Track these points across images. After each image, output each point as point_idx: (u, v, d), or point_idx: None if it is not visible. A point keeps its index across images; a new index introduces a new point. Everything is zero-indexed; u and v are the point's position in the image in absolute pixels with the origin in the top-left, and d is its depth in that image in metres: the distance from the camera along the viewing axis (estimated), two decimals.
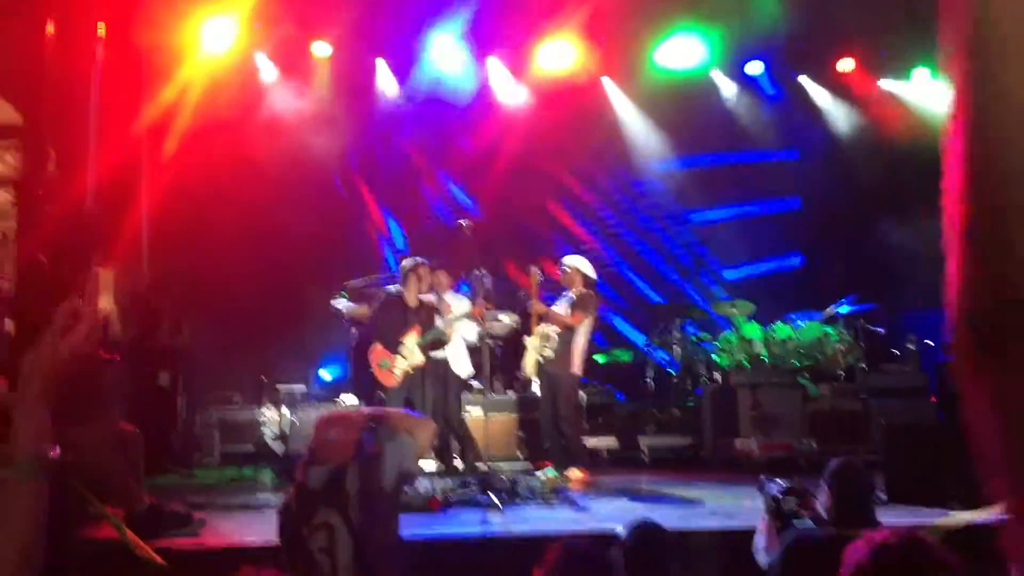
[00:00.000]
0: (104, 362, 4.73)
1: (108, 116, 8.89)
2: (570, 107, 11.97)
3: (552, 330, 7.65)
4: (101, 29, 8.68)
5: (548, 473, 7.46)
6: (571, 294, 7.78)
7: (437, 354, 7.81)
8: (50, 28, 7.53)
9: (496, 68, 11.99)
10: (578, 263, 7.94)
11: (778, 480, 4.01)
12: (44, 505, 1.63)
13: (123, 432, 4.65)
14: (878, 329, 10.11)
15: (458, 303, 7.99)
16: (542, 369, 7.72)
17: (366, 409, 4.16)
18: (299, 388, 9.80)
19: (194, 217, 10.36)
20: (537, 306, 7.70)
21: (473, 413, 8.70)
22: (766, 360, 9.33)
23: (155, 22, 9.93)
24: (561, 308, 7.75)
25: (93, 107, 8.53)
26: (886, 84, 12.34)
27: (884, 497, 5.65)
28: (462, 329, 7.89)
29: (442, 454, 7.81)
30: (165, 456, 8.10)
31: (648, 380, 10.68)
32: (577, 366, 7.73)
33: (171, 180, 10.44)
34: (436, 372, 7.80)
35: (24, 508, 1.58)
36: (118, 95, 9.40)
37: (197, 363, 9.43)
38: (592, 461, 8.07)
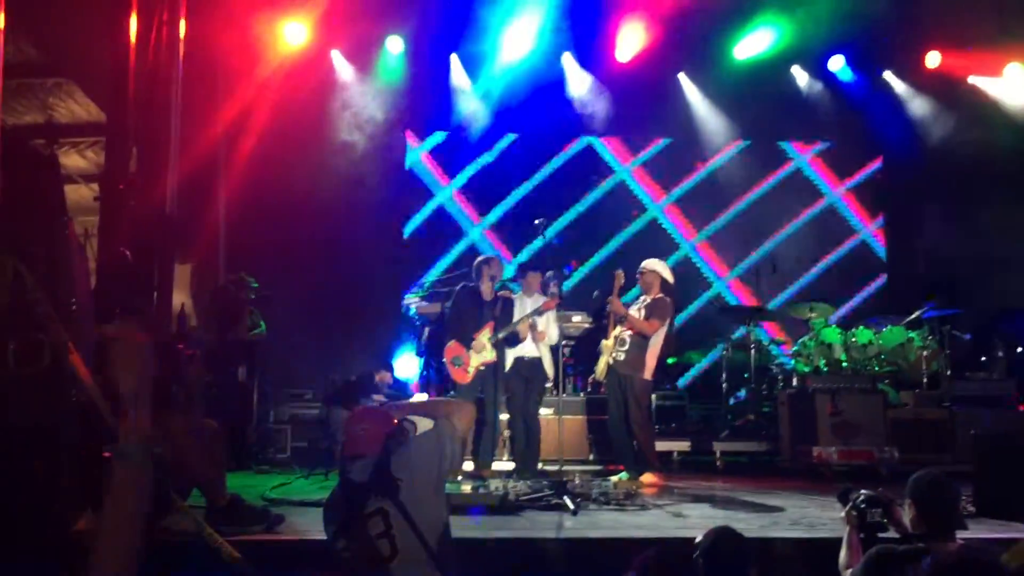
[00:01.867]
0: (186, 357, 4.78)
1: (189, 114, 9.05)
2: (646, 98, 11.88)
3: (627, 334, 7.56)
4: (182, 28, 8.81)
5: (621, 477, 7.38)
6: (648, 298, 7.67)
7: (528, 352, 7.75)
8: (133, 26, 7.66)
9: (570, 62, 11.93)
10: (659, 267, 7.83)
11: (862, 490, 3.87)
12: (150, 487, 1.73)
13: (205, 426, 4.70)
14: (964, 335, 9.79)
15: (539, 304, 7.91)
16: (612, 371, 7.63)
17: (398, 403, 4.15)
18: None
19: (269, 214, 10.52)
20: (617, 307, 7.60)
21: (544, 414, 8.64)
22: (845, 365, 9.10)
23: (234, 21, 10.12)
24: (636, 312, 7.64)
25: (175, 105, 8.68)
26: (975, 80, 11.95)
27: (972, 509, 5.46)
28: (549, 328, 7.81)
29: (523, 456, 7.73)
30: (241, 451, 8.20)
31: (722, 384, 10.50)
32: (650, 371, 7.63)
33: (248, 178, 10.62)
34: (522, 370, 7.73)
35: (136, 489, 1.67)
36: (198, 93, 9.57)
37: (270, 359, 9.55)
38: (663, 465, 7.95)
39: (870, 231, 12.93)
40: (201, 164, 10.01)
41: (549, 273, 8.83)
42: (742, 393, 10.29)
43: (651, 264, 7.86)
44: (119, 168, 7.49)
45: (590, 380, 8.29)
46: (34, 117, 9.07)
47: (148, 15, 8.14)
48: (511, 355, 7.76)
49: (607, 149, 12.76)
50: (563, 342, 8.41)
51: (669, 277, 7.81)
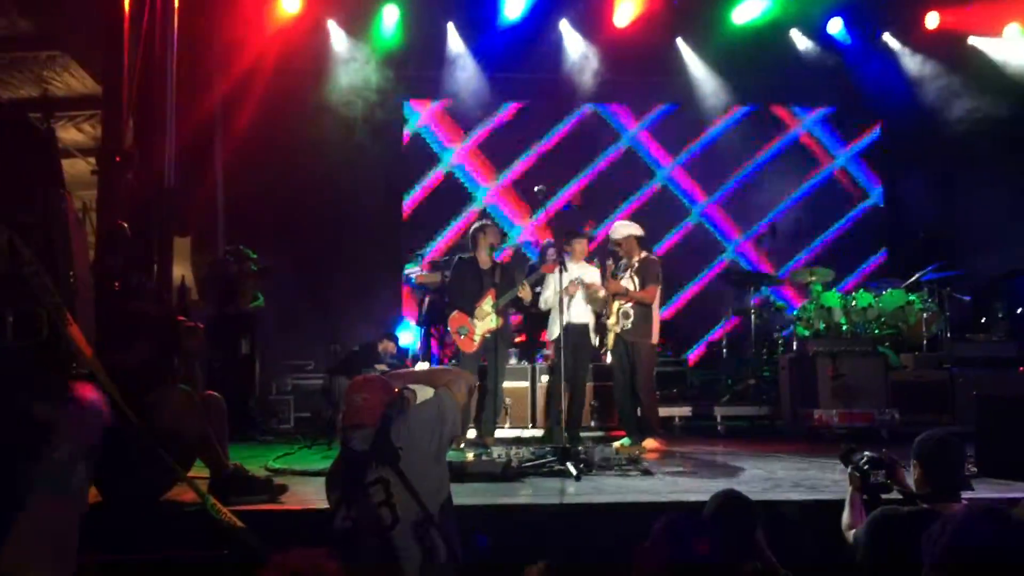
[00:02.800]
0: (187, 328, 4.77)
1: (184, 85, 8.99)
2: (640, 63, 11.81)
3: (628, 305, 7.54)
4: None
5: (623, 443, 7.40)
6: (635, 262, 7.64)
7: (577, 319, 7.73)
8: None
9: (567, 29, 11.84)
10: (627, 229, 7.74)
11: (865, 451, 3.87)
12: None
13: (207, 397, 4.70)
14: (964, 297, 9.79)
15: (586, 272, 7.87)
16: (619, 339, 7.62)
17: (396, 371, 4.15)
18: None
19: (268, 185, 10.49)
20: (615, 287, 7.56)
21: (544, 381, 8.66)
22: (845, 328, 9.10)
23: None
24: (627, 281, 7.60)
25: (170, 76, 8.63)
26: (975, 41, 11.86)
27: (975, 470, 5.47)
28: (545, 291, 7.81)
29: (571, 425, 7.73)
30: (243, 422, 8.22)
31: (723, 350, 10.53)
32: (655, 335, 7.63)
33: (246, 148, 10.58)
34: (572, 336, 7.67)
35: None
36: (194, 65, 9.51)
37: (272, 331, 9.55)
38: (665, 430, 7.98)
39: (871, 196, 12.92)
40: (198, 135, 9.99)
41: (546, 240, 8.85)
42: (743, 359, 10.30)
43: (620, 230, 7.75)
44: (115, 141, 7.46)
45: (602, 352, 8.24)
46: (29, 91, 9.03)
47: None
48: (557, 326, 7.69)
49: (611, 115, 12.70)
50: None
51: (639, 231, 7.73)
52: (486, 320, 7.51)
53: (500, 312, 7.56)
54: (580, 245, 7.91)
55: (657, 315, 7.68)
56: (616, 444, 7.31)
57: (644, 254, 7.68)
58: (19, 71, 8.68)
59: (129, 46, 7.78)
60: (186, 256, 9.67)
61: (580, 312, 7.79)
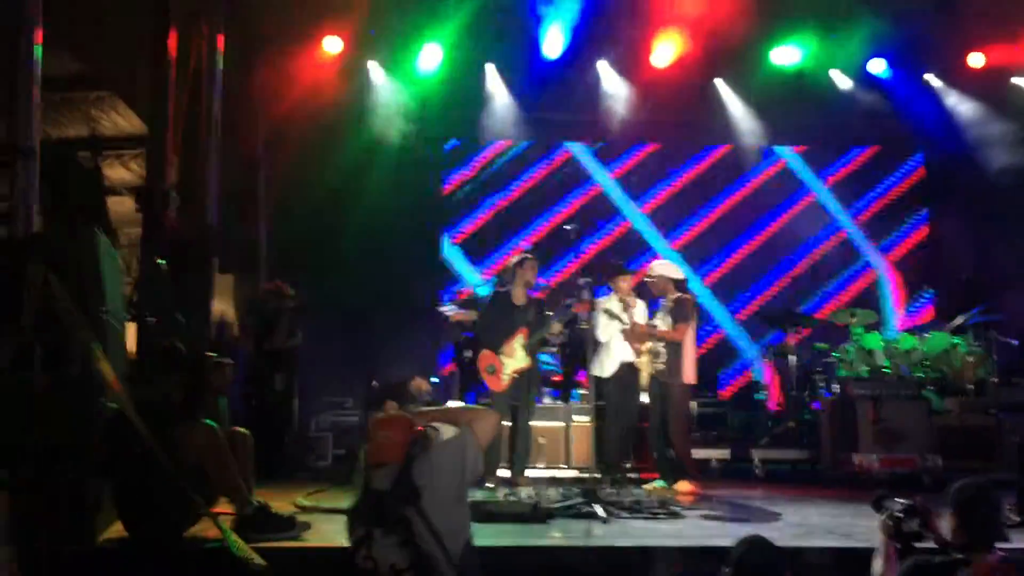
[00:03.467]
0: (215, 364, 4.83)
1: (229, 126, 9.18)
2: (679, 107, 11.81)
3: (660, 345, 7.50)
4: (221, 41, 8.95)
5: (656, 485, 7.31)
6: (666, 302, 7.60)
7: (625, 357, 7.73)
8: (173, 40, 7.80)
9: (606, 69, 11.90)
10: (664, 269, 7.78)
11: (899, 498, 3.78)
12: None
13: (233, 433, 4.73)
14: (1011, 341, 9.57)
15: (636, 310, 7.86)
16: (654, 380, 7.57)
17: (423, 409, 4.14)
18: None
19: (309, 223, 10.64)
20: (640, 330, 7.52)
21: (578, 421, 8.61)
22: (888, 371, 8.93)
23: (272, 33, 10.26)
24: (660, 321, 7.56)
25: (214, 117, 8.82)
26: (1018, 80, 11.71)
27: (1017, 519, 5.31)
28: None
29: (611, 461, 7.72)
30: (280, 459, 8.26)
31: (762, 390, 10.38)
32: (690, 374, 7.56)
33: (288, 187, 10.76)
34: (625, 375, 7.73)
35: None
36: (238, 106, 9.71)
37: (311, 368, 9.62)
38: (702, 474, 7.87)
39: (914, 236, 12.75)
40: (242, 174, 10.18)
41: (583, 280, 8.81)
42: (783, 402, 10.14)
43: (656, 269, 7.82)
44: (159, 179, 7.62)
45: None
46: (78, 130, 9.24)
47: (188, 29, 8.29)
48: (616, 359, 7.73)
49: (650, 155, 12.73)
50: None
51: (678, 275, 7.74)
52: (516, 358, 7.47)
53: (531, 351, 7.52)
54: (625, 282, 7.83)
55: (692, 354, 7.61)
56: (647, 487, 7.23)
57: (678, 295, 7.64)
58: (68, 111, 8.89)
59: (175, 87, 7.96)
60: (228, 293, 9.80)
61: (629, 350, 7.75)
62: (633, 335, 7.54)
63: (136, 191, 7.98)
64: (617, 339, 7.68)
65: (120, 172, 10.30)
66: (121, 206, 9.88)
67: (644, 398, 7.94)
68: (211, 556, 4.02)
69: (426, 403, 8.99)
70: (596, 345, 7.69)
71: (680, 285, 7.71)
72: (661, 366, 7.47)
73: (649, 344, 7.53)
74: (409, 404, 8.85)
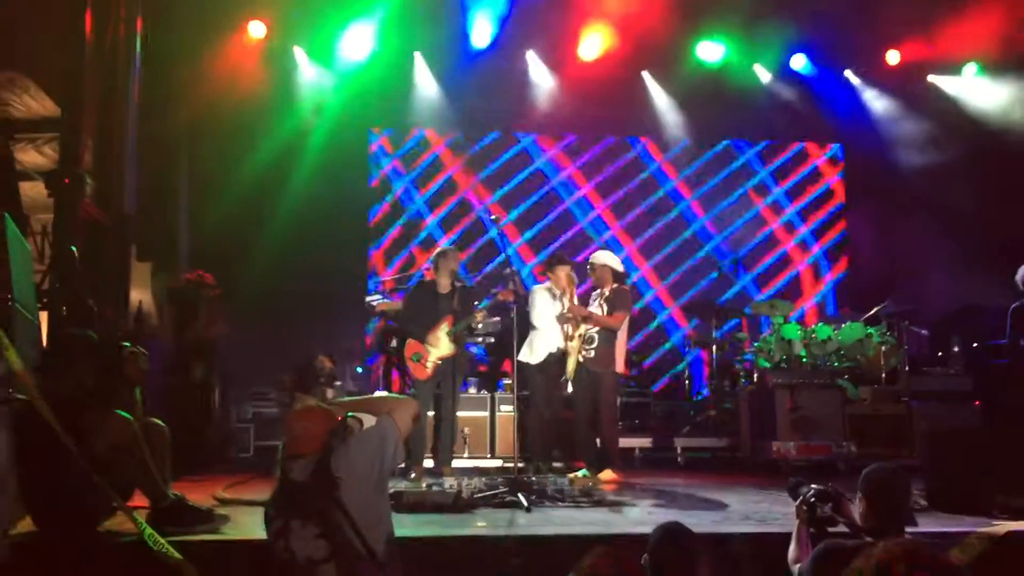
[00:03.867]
0: (131, 354, 4.70)
1: (147, 111, 8.94)
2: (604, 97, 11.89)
3: (594, 331, 7.54)
4: (139, 24, 8.71)
5: (580, 474, 7.36)
6: (606, 291, 7.66)
7: (555, 346, 7.75)
8: (89, 22, 7.56)
9: (534, 60, 11.91)
10: (606, 259, 7.81)
11: (812, 484, 3.86)
12: None
13: (148, 425, 4.62)
14: (922, 331, 9.88)
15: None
16: (582, 369, 7.60)
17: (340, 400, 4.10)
18: (334, 384, 9.79)
19: (232, 210, 10.43)
20: (577, 310, 7.56)
21: (504, 411, 8.63)
22: (805, 361, 9.14)
23: (193, 16, 10.01)
24: (596, 308, 7.62)
25: (131, 101, 8.58)
26: (935, 79, 12.07)
27: (924, 503, 5.48)
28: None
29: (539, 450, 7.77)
30: (201, 451, 8.10)
31: (685, 381, 10.55)
32: (620, 364, 7.63)
33: (210, 173, 10.53)
34: (550, 366, 7.77)
35: None
36: (157, 90, 9.46)
37: (233, 358, 9.45)
38: (625, 462, 7.95)
39: (830, 229, 13.07)
40: (160, 160, 9.92)
41: (508, 271, 8.84)
42: (704, 391, 10.32)
43: (600, 258, 7.84)
44: (71, 164, 7.38)
45: (563, 381, 8.17)
46: None
47: (105, 11, 8.05)
48: (547, 347, 7.74)
49: (580, 146, 12.80)
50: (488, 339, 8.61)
51: (619, 267, 7.81)
52: (440, 346, 7.46)
53: (456, 339, 7.51)
54: (564, 271, 7.75)
55: (623, 344, 7.69)
56: (572, 476, 7.28)
57: (617, 285, 7.70)
58: None
59: (90, 69, 7.72)
60: (146, 281, 9.56)
61: (560, 338, 7.77)
62: (571, 315, 7.55)
63: (47, 176, 7.71)
64: (550, 326, 7.69)
65: (33, 156, 9.95)
66: (33, 190, 9.56)
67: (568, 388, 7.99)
68: (126, 550, 3.93)
69: (330, 379, 8.90)
70: (527, 331, 7.69)
71: (619, 277, 7.78)
72: (591, 354, 7.50)
73: (582, 329, 7.54)
74: (318, 383, 8.76)
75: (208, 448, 8.40)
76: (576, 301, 7.64)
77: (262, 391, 10.03)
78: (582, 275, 8.07)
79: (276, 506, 3.56)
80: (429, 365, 7.46)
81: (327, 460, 3.47)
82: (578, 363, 7.58)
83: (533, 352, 7.77)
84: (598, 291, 7.76)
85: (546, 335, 7.75)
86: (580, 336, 7.56)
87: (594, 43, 11.58)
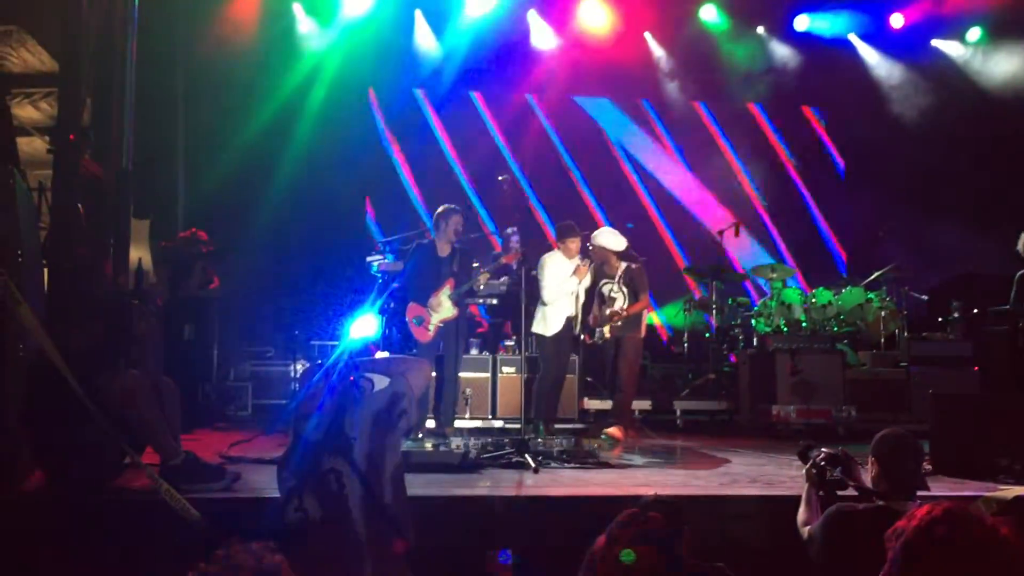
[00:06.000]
0: (139, 311, 4.67)
1: (146, 67, 8.81)
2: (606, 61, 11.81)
3: (616, 292, 7.54)
4: None
5: (602, 437, 7.41)
6: (618, 274, 7.61)
7: (569, 312, 7.69)
8: None
9: (536, 20, 11.79)
10: (605, 239, 7.64)
11: (822, 447, 3.88)
12: None
13: (159, 382, 4.60)
14: (921, 296, 9.90)
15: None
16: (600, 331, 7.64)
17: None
18: (332, 343, 9.81)
19: (231, 168, 10.35)
20: (616, 316, 7.45)
21: (506, 372, 8.64)
22: (805, 325, 9.16)
23: None
24: (616, 291, 7.58)
25: (130, 56, 8.45)
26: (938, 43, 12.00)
27: (929, 468, 5.52)
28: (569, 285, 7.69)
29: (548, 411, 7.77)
30: (198, 408, 8.10)
31: (684, 343, 10.57)
32: (643, 329, 7.69)
33: (209, 131, 10.43)
34: (564, 334, 7.73)
35: None
36: (156, 46, 9.33)
37: (232, 316, 9.42)
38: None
39: (834, 194, 13.06)
40: (159, 117, 9.80)
41: (511, 229, 8.82)
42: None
43: (597, 239, 7.67)
44: (72, 121, 7.28)
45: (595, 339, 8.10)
46: None
47: None
48: (561, 317, 7.66)
49: (579, 106, 12.69)
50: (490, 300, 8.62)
51: (619, 247, 7.64)
52: (442, 309, 7.45)
53: (457, 301, 7.50)
54: (574, 244, 7.66)
55: (646, 312, 7.76)
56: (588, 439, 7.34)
57: (625, 264, 7.64)
58: None
59: (88, 23, 7.60)
60: (144, 239, 9.50)
61: (573, 307, 7.75)
62: (607, 320, 7.53)
63: (49, 132, 7.60)
64: (563, 296, 7.64)
65: (30, 111, 9.84)
66: (30, 147, 9.46)
67: None
68: (140, 507, 3.93)
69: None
70: (533, 293, 7.66)
71: (622, 254, 7.70)
72: (618, 323, 7.51)
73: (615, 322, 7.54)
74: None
75: (205, 406, 8.39)
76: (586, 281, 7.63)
77: (262, 350, 10.03)
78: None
79: (289, 465, 3.56)
80: (431, 328, 7.45)
81: (341, 420, 3.47)
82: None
83: (547, 324, 7.69)
84: (613, 277, 7.67)
85: (559, 305, 7.67)
86: (609, 313, 7.52)
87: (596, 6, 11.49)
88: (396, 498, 3.53)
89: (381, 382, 3.77)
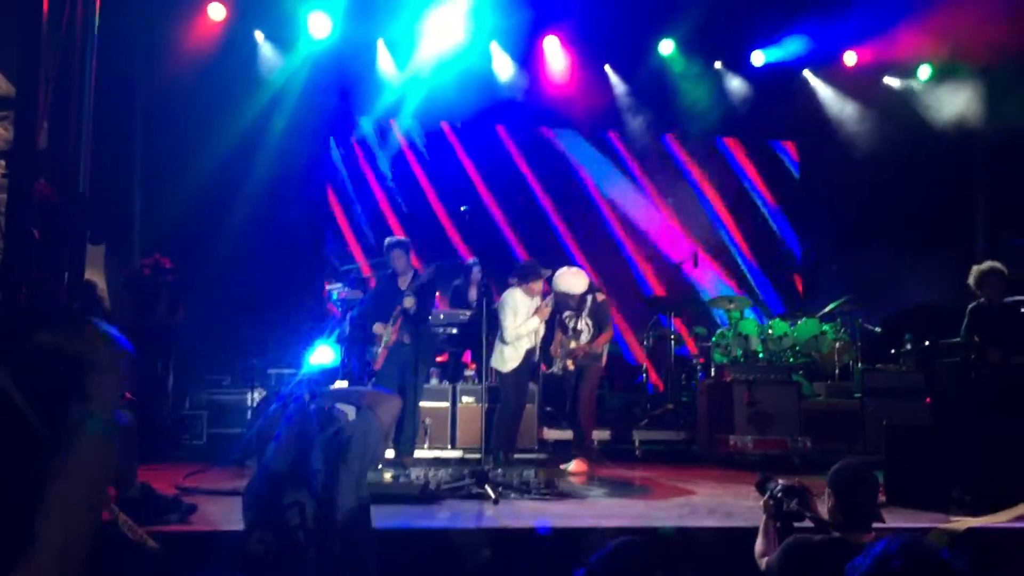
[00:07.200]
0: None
1: (104, 91, 8.73)
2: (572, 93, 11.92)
3: (582, 324, 7.58)
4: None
5: (569, 466, 7.41)
6: (586, 308, 7.61)
7: (528, 346, 7.69)
8: None
9: (498, 51, 11.89)
10: (563, 285, 7.55)
11: (779, 480, 3.92)
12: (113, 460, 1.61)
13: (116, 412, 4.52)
14: (875, 328, 10.07)
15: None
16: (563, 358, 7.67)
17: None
18: (290, 372, 9.73)
19: (189, 195, 10.25)
20: (583, 351, 7.52)
21: (466, 401, 8.61)
22: (762, 356, 9.27)
23: None
24: (581, 323, 7.61)
25: (89, 81, 8.37)
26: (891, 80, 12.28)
27: (883, 499, 5.59)
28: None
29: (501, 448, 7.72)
30: (153, 437, 7.97)
31: (642, 374, 10.63)
32: (603, 359, 7.76)
33: (167, 157, 10.34)
34: (523, 367, 7.71)
35: (99, 462, 1.52)
36: (115, 70, 9.25)
37: (189, 344, 9.32)
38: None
39: (786, 226, 13.25)
40: (117, 142, 9.70)
41: (472, 260, 8.85)
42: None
43: (557, 285, 7.59)
44: (27, 144, 7.19)
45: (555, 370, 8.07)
46: None
47: None
48: (520, 353, 7.64)
49: (542, 138, 12.78)
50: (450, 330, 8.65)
51: (579, 288, 7.54)
52: (385, 335, 7.48)
53: (399, 330, 7.47)
54: (536, 286, 7.66)
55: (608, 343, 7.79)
56: (562, 467, 7.36)
57: (590, 298, 7.63)
58: None
59: (46, 46, 7.53)
60: (99, 264, 9.38)
61: (531, 342, 7.77)
62: (570, 353, 7.55)
63: (3, 156, 7.49)
64: (523, 333, 7.63)
65: None
66: None
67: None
68: (100, 537, 3.85)
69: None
70: (497, 336, 7.66)
71: (588, 289, 7.67)
72: (580, 355, 7.57)
73: (577, 344, 7.57)
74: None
75: (160, 435, 8.27)
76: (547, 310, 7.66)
77: (217, 378, 9.92)
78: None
79: (254, 494, 3.52)
80: (378, 356, 7.46)
81: (306, 451, 3.44)
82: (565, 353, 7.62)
83: (506, 361, 7.66)
84: (574, 308, 7.65)
85: (519, 343, 7.65)
86: (570, 347, 7.57)
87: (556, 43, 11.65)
88: (361, 534, 3.49)
89: (349, 412, 3.75)
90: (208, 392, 9.76)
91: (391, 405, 3.76)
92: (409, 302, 7.50)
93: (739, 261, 12.99)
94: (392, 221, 12.00)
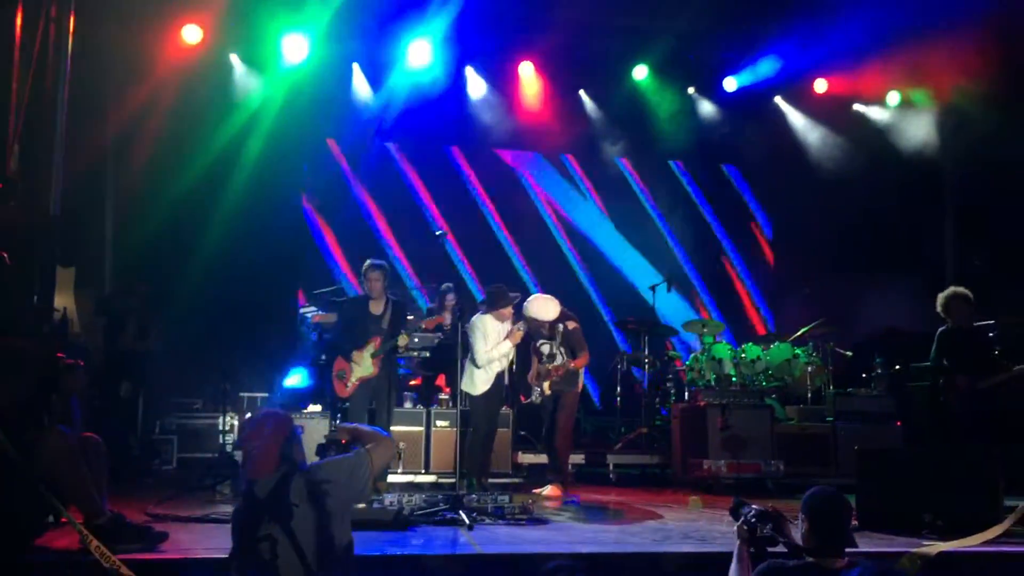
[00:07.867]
0: (67, 365, 4.56)
1: (77, 115, 8.70)
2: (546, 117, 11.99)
3: (556, 350, 7.60)
4: (71, 24, 8.47)
5: (544, 491, 7.40)
6: (558, 335, 7.63)
7: (498, 369, 7.68)
8: (18, 21, 7.35)
9: (472, 74, 11.93)
10: (533, 311, 7.59)
11: (753, 505, 3.93)
12: None
13: (86, 439, 4.48)
14: (846, 352, 10.15)
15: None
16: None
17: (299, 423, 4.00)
18: (262, 396, 9.68)
19: (161, 218, 10.20)
20: (558, 372, 7.55)
21: (440, 426, 8.57)
22: (735, 380, 9.31)
23: (129, 19, 9.80)
24: (557, 351, 7.62)
25: (61, 105, 8.34)
26: (860, 107, 12.45)
27: (855, 523, 5.62)
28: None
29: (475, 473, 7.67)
30: (123, 463, 7.89)
31: (617, 398, 10.64)
32: (580, 384, 7.78)
33: (140, 180, 10.29)
34: (493, 391, 7.70)
35: None
36: (87, 94, 9.22)
37: (160, 368, 9.24)
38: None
39: (760, 251, 13.37)
40: (89, 166, 9.65)
41: (446, 286, 8.85)
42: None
43: (527, 312, 7.63)
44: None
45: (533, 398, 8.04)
46: None
47: (35, 10, 7.82)
48: (490, 378, 7.63)
49: (513, 162, 12.83)
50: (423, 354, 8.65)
51: (550, 314, 7.58)
52: (363, 366, 7.43)
53: (380, 360, 7.45)
54: (507, 311, 7.68)
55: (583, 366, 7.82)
56: (536, 491, 7.35)
57: (561, 326, 7.63)
58: None
59: (19, 70, 7.50)
60: (70, 288, 9.30)
61: (500, 366, 7.78)
62: (548, 375, 7.58)
63: None
64: (494, 359, 7.62)
65: None
66: None
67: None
68: (64, 567, 3.81)
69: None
70: (467, 359, 7.64)
71: (560, 317, 7.66)
72: (557, 378, 7.59)
73: (556, 376, 7.60)
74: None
75: (129, 460, 8.18)
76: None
77: (188, 402, 9.84)
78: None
79: (237, 520, 3.48)
80: (349, 385, 7.42)
81: (286, 485, 3.39)
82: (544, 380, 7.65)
83: (476, 384, 7.65)
84: (547, 336, 7.69)
85: (489, 368, 7.64)
86: (552, 371, 7.59)
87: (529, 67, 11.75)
88: (342, 568, 3.45)
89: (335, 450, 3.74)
90: (178, 416, 9.67)
91: (387, 451, 3.75)
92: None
93: (698, 289, 13.09)
94: (367, 243, 11.95)
